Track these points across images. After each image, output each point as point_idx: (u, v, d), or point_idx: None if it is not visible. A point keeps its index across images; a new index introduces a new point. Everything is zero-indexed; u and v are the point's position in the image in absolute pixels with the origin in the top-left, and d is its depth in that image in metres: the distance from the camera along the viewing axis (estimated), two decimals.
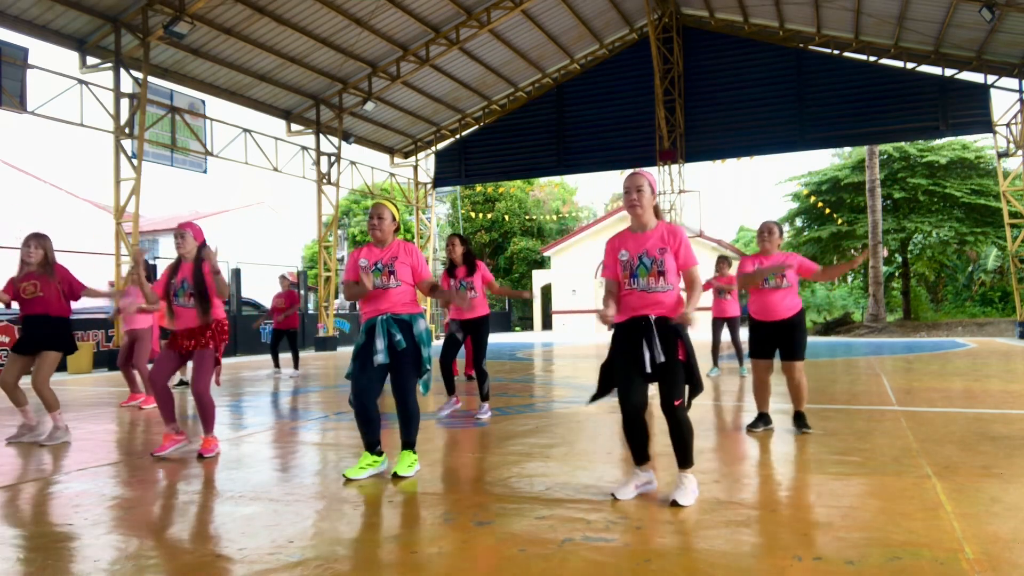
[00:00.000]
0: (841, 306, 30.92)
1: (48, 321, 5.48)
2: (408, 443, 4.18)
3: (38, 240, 5.57)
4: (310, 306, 21.68)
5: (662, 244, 3.49)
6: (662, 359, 3.38)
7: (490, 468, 4.33)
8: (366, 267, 4.17)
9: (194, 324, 4.84)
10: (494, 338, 26.21)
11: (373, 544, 3.03)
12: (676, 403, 3.42)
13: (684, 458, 3.49)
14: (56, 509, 3.63)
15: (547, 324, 33.34)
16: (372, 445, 4.17)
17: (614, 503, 3.46)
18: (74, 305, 5.81)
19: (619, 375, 3.52)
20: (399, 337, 4.06)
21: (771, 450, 4.79)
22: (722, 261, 9.89)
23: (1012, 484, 3.68)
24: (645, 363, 3.40)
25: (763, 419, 5.41)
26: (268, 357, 12.09)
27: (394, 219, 4.28)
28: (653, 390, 3.54)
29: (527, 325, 36.36)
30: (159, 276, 5.53)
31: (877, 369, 10.56)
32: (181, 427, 5.06)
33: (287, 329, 11.42)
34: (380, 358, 4.05)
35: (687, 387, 3.47)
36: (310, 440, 5.62)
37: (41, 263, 5.53)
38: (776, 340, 5.26)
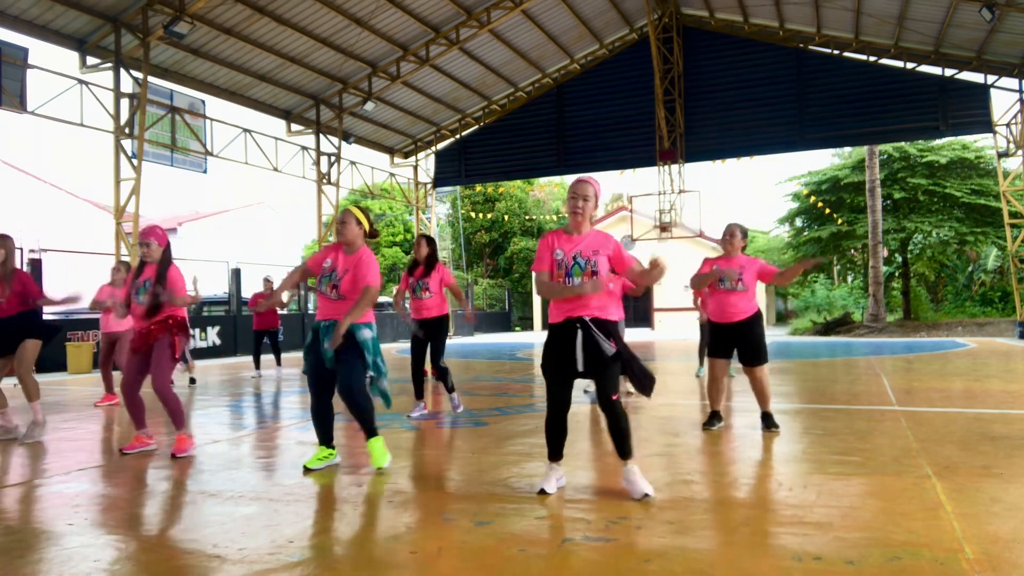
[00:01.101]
0: (841, 306, 30.89)
1: (12, 322, 5.47)
2: (371, 432, 4.26)
3: (2, 242, 5.47)
4: (310, 306, 21.66)
5: (596, 247, 3.65)
6: (613, 349, 3.51)
7: (490, 468, 4.33)
8: (325, 268, 4.25)
9: (147, 323, 4.86)
10: (494, 338, 26.22)
11: (373, 544, 3.03)
12: (613, 397, 3.55)
13: (625, 449, 3.60)
14: (56, 509, 3.63)
15: (547, 324, 33.32)
16: (327, 440, 4.34)
17: (611, 503, 3.46)
18: (75, 305, 5.80)
19: (550, 374, 3.66)
20: (325, 346, 4.13)
21: (770, 450, 4.79)
22: (707, 261, 9.91)
23: (1012, 484, 3.68)
24: (578, 362, 3.54)
25: (715, 417, 5.53)
26: (266, 357, 12.08)
27: (360, 223, 4.29)
28: (591, 386, 3.65)
29: (527, 325, 36.36)
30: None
31: (877, 369, 10.56)
32: (151, 432, 5.10)
33: (268, 329, 11.39)
34: (327, 364, 4.17)
35: (642, 381, 3.60)
36: (310, 440, 5.61)
37: (1, 266, 5.45)
38: (733, 342, 5.40)
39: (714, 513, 3.29)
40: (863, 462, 4.28)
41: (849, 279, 38.25)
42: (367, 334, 4.20)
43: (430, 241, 6.58)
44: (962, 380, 8.85)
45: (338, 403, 4.26)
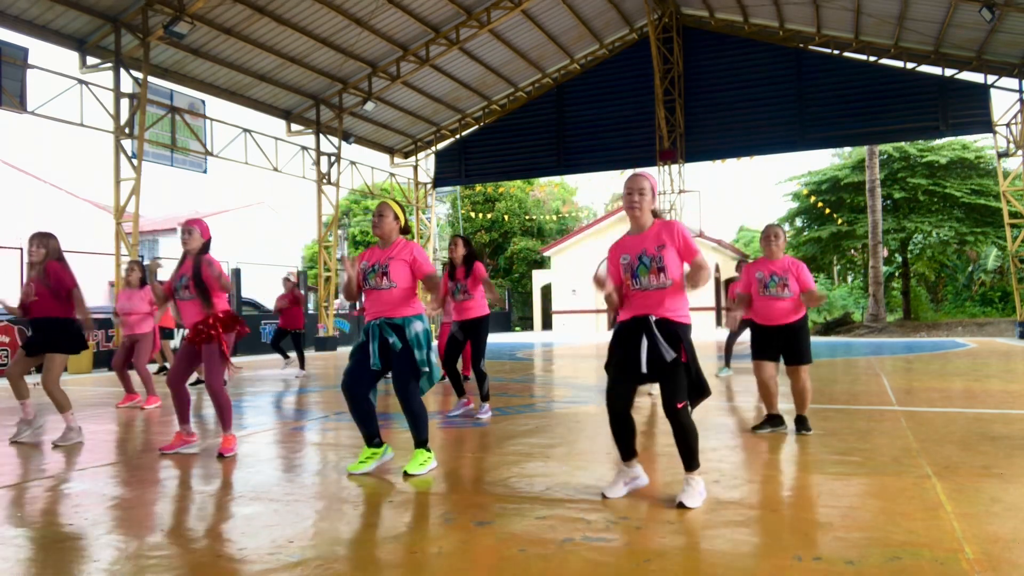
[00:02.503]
0: (841, 306, 30.91)
1: (48, 323, 5.43)
2: (420, 442, 4.19)
3: (40, 240, 5.48)
4: (310, 306, 21.67)
5: (659, 241, 3.48)
6: (672, 355, 3.36)
7: (490, 468, 4.33)
8: (364, 268, 4.17)
9: (198, 317, 4.84)
10: (494, 338, 26.21)
11: (373, 544, 3.03)
12: (679, 406, 3.39)
13: (689, 461, 3.46)
14: (57, 509, 3.63)
15: (547, 324, 33.33)
16: (370, 437, 4.20)
17: (611, 503, 3.46)
18: None
19: (612, 372, 3.53)
20: (393, 339, 4.06)
21: (771, 450, 4.79)
22: (741, 264, 9.87)
23: (1012, 484, 3.68)
24: (642, 363, 3.39)
25: (771, 421, 5.38)
26: (268, 357, 12.09)
27: (397, 218, 4.24)
28: (654, 389, 3.56)
29: (527, 325, 36.36)
30: (163, 277, 5.53)
31: (877, 369, 10.56)
32: (193, 430, 5.09)
33: (293, 329, 11.40)
34: (372, 361, 4.08)
35: (693, 391, 3.46)
36: (310, 440, 5.62)
37: (40, 263, 5.44)
38: (778, 344, 5.24)
39: (714, 513, 3.29)
40: (863, 462, 4.28)
41: (849, 279, 38.25)
42: (419, 327, 4.12)
43: (467, 242, 6.40)
44: (962, 380, 8.85)
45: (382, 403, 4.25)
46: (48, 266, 5.44)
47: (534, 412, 6.66)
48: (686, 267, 3.54)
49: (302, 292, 11.56)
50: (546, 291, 32.94)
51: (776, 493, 3.70)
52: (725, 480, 3.96)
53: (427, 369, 4.12)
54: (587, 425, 5.89)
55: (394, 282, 4.11)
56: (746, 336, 10.06)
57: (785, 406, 5.68)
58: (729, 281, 8.79)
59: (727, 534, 3.00)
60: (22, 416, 5.62)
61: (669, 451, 4.72)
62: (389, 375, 4.26)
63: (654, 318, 3.43)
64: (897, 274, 30.55)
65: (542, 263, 35.30)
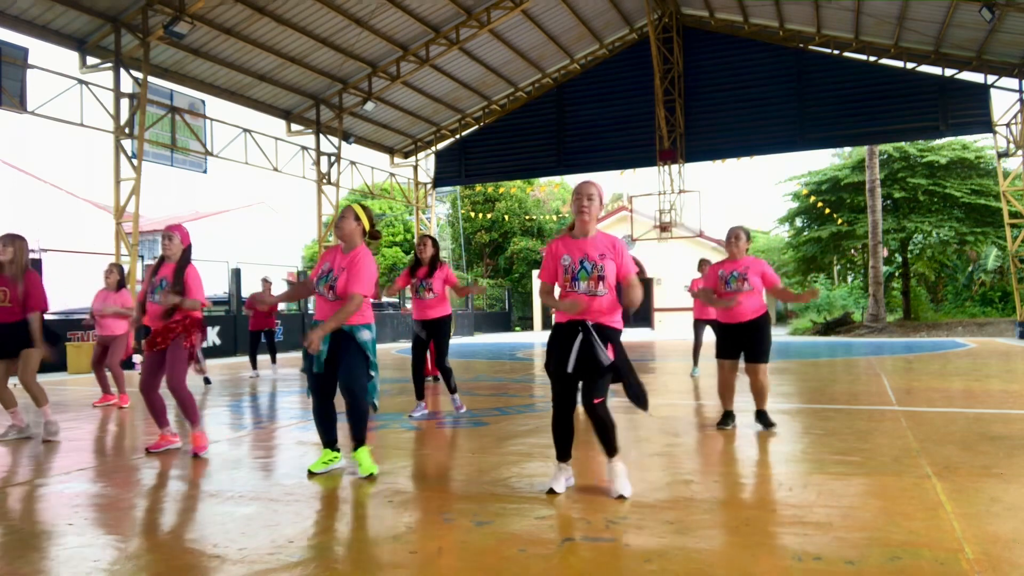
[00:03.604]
0: (841, 306, 30.89)
1: (19, 326, 5.45)
2: (359, 441, 4.20)
3: (11, 241, 5.43)
4: (310, 306, 21.66)
5: (602, 251, 3.63)
6: (609, 360, 3.51)
7: (490, 468, 4.33)
8: (320, 273, 4.22)
9: (164, 322, 4.86)
10: (494, 338, 26.21)
11: (373, 544, 3.03)
12: (596, 401, 3.56)
13: (610, 449, 3.65)
14: (56, 509, 3.63)
15: (547, 324, 33.34)
16: (331, 443, 4.30)
17: (612, 503, 3.46)
18: (73, 305, 5.78)
19: (554, 374, 3.65)
20: (323, 347, 4.08)
21: (770, 450, 4.79)
22: (704, 263, 9.89)
23: (1012, 484, 3.68)
24: (569, 363, 3.54)
25: (729, 416, 5.58)
26: (267, 357, 12.08)
27: (358, 219, 4.22)
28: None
29: (527, 325, 36.36)
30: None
31: (877, 369, 10.56)
32: (175, 430, 5.13)
33: (264, 329, 11.38)
34: (316, 368, 4.13)
35: (634, 398, 3.63)
36: (310, 440, 5.61)
37: (10, 265, 5.40)
38: (740, 341, 5.45)
39: (714, 513, 3.29)
40: (863, 462, 4.28)
41: (849, 279, 38.23)
42: (366, 336, 4.16)
43: (435, 242, 6.59)
44: (962, 380, 8.85)
45: (339, 403, 4.25)
46: (29, 276, 5.47)
47: (534, 412, 6.66)
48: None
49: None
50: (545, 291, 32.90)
51: (776, 493, 3.70)
52: (724, 480, 3.95)
53: (374, 373, 4.19)
54: (587, 425, 5.88)
55: (340, 296, 4.12)
56: (709, 337, 10.09)
57: (784, 406, 5.68)
58: (693, 279, 9.15)
59: (727, 534, 3.00)
60: (13, 423, 5.63)
61: (668, 451, 4.73)
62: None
63: (591, 322, 3.58)
64: (897, 274, 30.55)
65: (542, 263, 35.26)
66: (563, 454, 3.72)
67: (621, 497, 3.49)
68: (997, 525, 3.03)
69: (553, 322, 3.83)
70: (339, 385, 4.16)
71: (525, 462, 4.45)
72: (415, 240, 25.12)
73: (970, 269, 30.88)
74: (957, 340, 18.89)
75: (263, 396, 8.64)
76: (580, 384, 3.63)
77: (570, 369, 3.53)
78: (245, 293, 19.89)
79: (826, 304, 31.61)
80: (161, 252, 5.05)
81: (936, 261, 29.87)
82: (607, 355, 3.51)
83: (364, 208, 4.32)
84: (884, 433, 5.22)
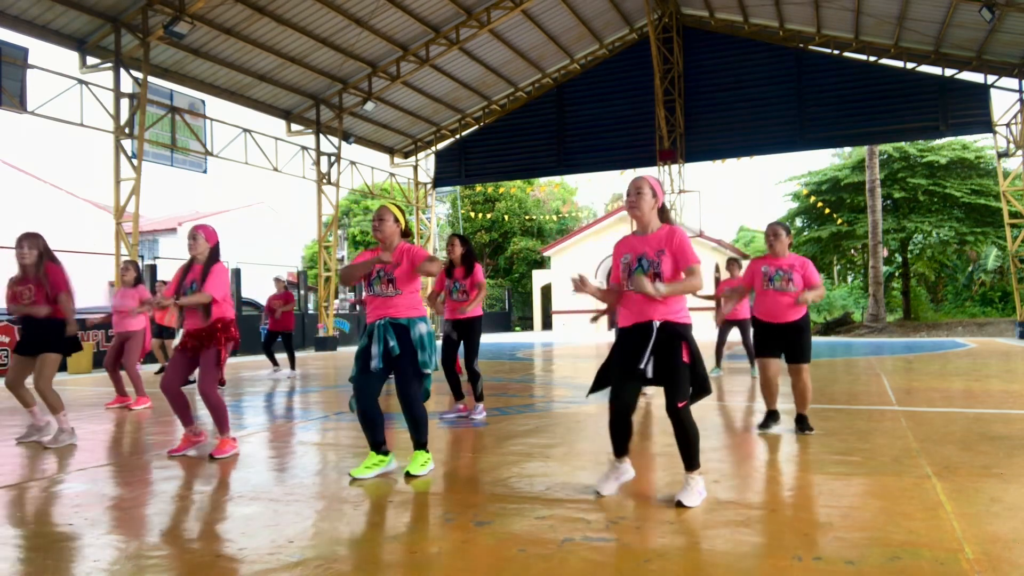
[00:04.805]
0: (841, 306, 30.92)
1: (42, 323, 5.40)
2: (419, 444, 4.19)
3: (31, 240, 5.42)
4: (310, 306, 21.68)
5: (660, 247, 3.49)
6: (681, 361, 3.37)
7: (490, 468, 4.33)
8: (372, 275, 4.15)
9: (200, 325, 4.83)
10: (494, 338, 26.22)
11: (373, 544, 3.03)
12: (680, 405, 3.39)
13: (689, 460, 3.47)
14: (56, 509, 3.63)
15: (547, 324, 33.34)
16: (377, 445, 4.17)
17: (610, 502, 3.46)
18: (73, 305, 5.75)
19: (615, 374, 3.54)
20: (393, 343, 4.05)
21: (771, 450, 4.79)
22: (732, 263, 9.84)
23: (1012, 484, 3.68)
24: (648, 369, 3.38)
25: (773, 417, 5.41)
26: (265, 357, 12.09)
27: (397, 221, 4.22)
28: (651, 390, 3.55)
29: (527, 325, 36.35)
30: (164, 277, 5.51)
31: (877, 369, 10.56)
32: (200, 429, 5.09)
33: (283, 331, 11.39)
34: (375, 363, 4.06)
35: (695, 388, 3.47)
36: (310, 440, 5.62)
37: (34, 265, 5.38)
38: (781, 341, 5.25)
39: (714, 513, 3.29)
40: (863, 462, 4.28)
41: (849, 279, 38.24)
42: (423, 329, 4.12)
43: (464, 241, 6.38)
44: (962, 380, 8.85)
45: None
46: (47, 267, 5.42)
47: (534, 412, 6.66)
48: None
49: (292, 293, 11.54)
50: (546, 291, 32.95)
51: (776, 493, 3.70)
52: (725, 480, 3.96)
53: (429, 371, 4.13)
54: (587, 425, 5.89)
55: (399, 289, 4.12)
56: (734, 337, 10.08)
57: (785, 406, 5.67)
58: (718, 280, 8.87)
59: (727, 534, 3.00)
60: (32, 422, 5.60)
61: (668, 451, 4.72)
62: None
63: (657, 323, 3.43)
64: (897, 274, 30.56)
65: (542, 263, 35.30)
66: (621, 450, 3.60)
67: (680, 504, 3.34)
68: (997, 525, 3.03)
69: (618, 323, 3.63)
70: (396, 391, 4.13)
71: (525, 462, 4.45)
72: (414, 240, 25.16)
73: (970, 269, 30.88)
74: (957, 340, 18.89)
75: (265, 396, 8.64)
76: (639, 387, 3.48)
77: (650, 374, 3.37)
78: (245, 293, 19.91)
79: (826, 304, 31.61)
80: (189, 252, 5.01)
81: (936, 261, 29.87)
82: (684, 354, 3.36)
83: (399, 207, 4.32)
84: (884, 433, 5.22)
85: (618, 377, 3.52)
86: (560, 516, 3.27)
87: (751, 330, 9.85)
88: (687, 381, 3.41)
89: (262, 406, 7.78)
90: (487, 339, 25.38)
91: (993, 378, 9.01)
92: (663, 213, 3.61)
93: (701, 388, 3.48)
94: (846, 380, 9.20)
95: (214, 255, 4.97)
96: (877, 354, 13.98)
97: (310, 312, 20.99)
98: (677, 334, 3.42)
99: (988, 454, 4.39)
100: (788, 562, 2.65)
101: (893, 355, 13.63)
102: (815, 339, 21.41)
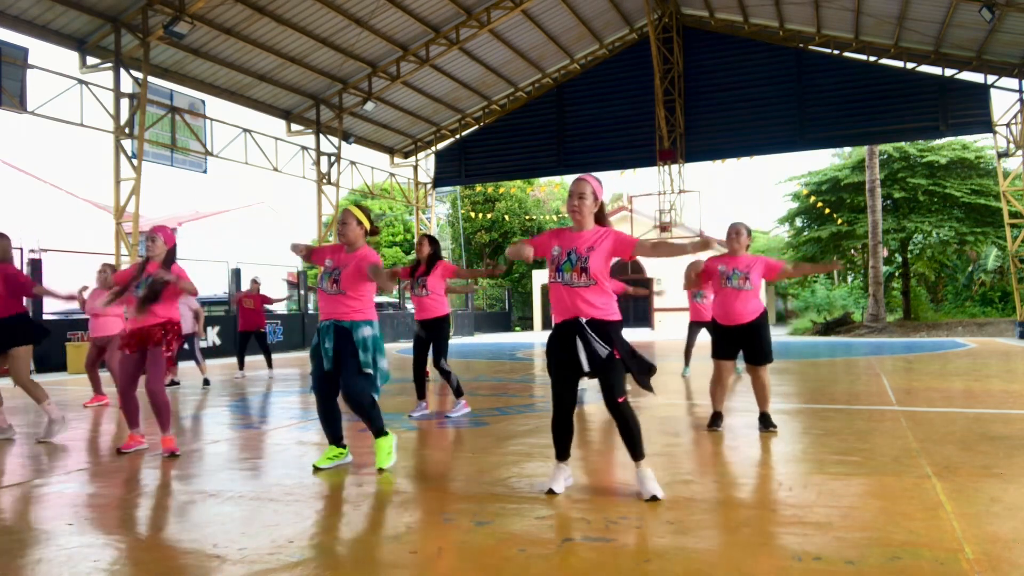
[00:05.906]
0: (841, 306, 30.89)
1: (6, 321, 5.41)
2: (378, 432, 4.28)
3: None
4: (310, 306, 21.68)
5: (591, 244, 3.61)
6: (606, 351, 3.49)
7: (490, 468, 4.32)
8: (324, 269, 4.30)
9: (144, 323, 4.86)
10: (494, 338, 26.21)
11: (373, 544, 3.03)
12: (619, 400, 3.51)
13: (636, 451, 3.58)
14: (56, 509, 3.63)
15: (547, 324, 33.33)
16: (336, 440, 4.37)
17: (610, 502, 3.46)
18: (68, 306, 5.78)
19: (554, 376, 3.64)
20: (327, 345, 4.15)
21: (770, 450, 4.78)
22: (712, 260, 9.81)
23: (1012, 484, 3.68)
24: (583, 363, 3.51)
25: (719, 417, 5.50)
26: (261, 357, 12.03)
27: (360, 223, 4.31)
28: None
29: (527, 325, 36.36)
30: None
31: (877, 369, 10.55)
32: (143, 431, 5.14)
33: (254, 330, 11.26)
34: (325, 365, 4.20)
35: (641, 372, 3.58)
36: (309, 440, 5.61)
37: None
38: (739, 343, 5.34)
39: (714, 513, 3.29)
40: (863, 462, 4.28)
41: (849, 279, 38.24)
42: (366, 332, 4.20)
43: (432, 241, 6.58)
44: (962, 380, 8.85)
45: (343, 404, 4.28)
46: (5, 270, 5.46)
47: (534, 412, 6.66)
48: (645, 241, 3.69)
49: (268, 295, 11.44)
50: (546, 291, 32.92)
51: (776, 493, 3.70)
52: (725, 480, 3.95)
53: (370, 371, 4.18)
54: (587, 425, 5.89)
55: (343, 289, 4.20)
56: (703, 337, 10.06)
57: (783, 406, 5.67)
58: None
59: (727, 534, 3.00)
60: (50, 417, 5.61)
61: (668, 451, 4.73)
62: None
63: (584, 320, 3.55)
64: (897, 274, 30.55)
65: (542, 263, 35.28)
66: (563, 453, 3.72)
67: (654, 498, 3.42)
68: (997, 525, 3.03)
69: (553, 322, 3.80)
70: (341, 388, 4.22)
71: (525, 462, 4.45)
72: (415, 240, 25.15)
73: (970, 269, 30.88)
74: (957, 340, 18.88)
75: (262, 396, 8.64)
76: (578, 385, 3.61)
77: (586, 368, 3.50)
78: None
79: (826, 304, 31.62)
80: (146, 253, 5.07)
81: (936, 261, 29.87)
82: (604, 348, 3.48)
83: (362, 209, 4.38)
84: (884, 433, 5.21)
85: (558, 377, 3.63)
86: (560, 516, 3.27)
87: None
88: (623, 376, 3.55)
89: (261, 406, 7.78)
90: (487, 339, 25.40)
91: (993, 378, 9.01)
92: (600, 216, 3.75)
93: (647, 370, 3.59)
94: (846, 380, 9.20)
95: (171, 257, 5.01)
96: (877, 354, 13.98)
97: (310, 312, 20.98)
98: (605, 332, 3.53)
99: (988, 454, 4.39)
100: (788, 562, 2.65)
101: (893, 355, 13.63)
102: (815, 339, 21.44)
